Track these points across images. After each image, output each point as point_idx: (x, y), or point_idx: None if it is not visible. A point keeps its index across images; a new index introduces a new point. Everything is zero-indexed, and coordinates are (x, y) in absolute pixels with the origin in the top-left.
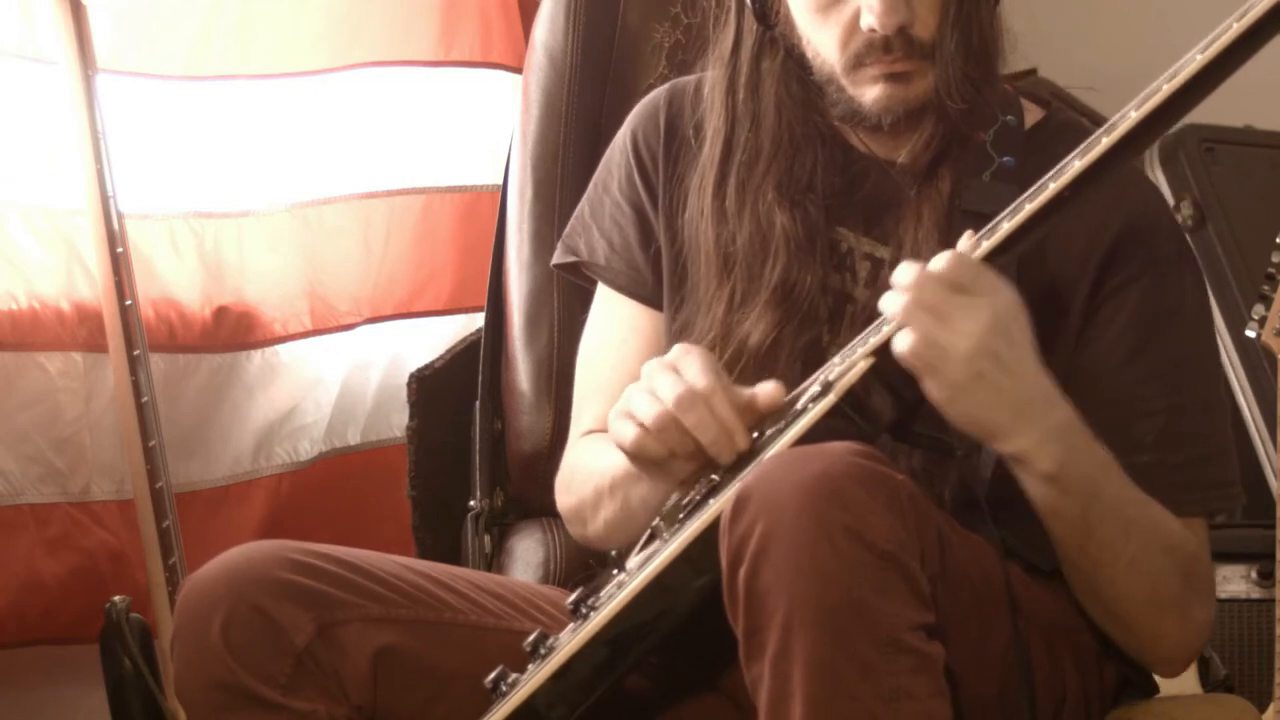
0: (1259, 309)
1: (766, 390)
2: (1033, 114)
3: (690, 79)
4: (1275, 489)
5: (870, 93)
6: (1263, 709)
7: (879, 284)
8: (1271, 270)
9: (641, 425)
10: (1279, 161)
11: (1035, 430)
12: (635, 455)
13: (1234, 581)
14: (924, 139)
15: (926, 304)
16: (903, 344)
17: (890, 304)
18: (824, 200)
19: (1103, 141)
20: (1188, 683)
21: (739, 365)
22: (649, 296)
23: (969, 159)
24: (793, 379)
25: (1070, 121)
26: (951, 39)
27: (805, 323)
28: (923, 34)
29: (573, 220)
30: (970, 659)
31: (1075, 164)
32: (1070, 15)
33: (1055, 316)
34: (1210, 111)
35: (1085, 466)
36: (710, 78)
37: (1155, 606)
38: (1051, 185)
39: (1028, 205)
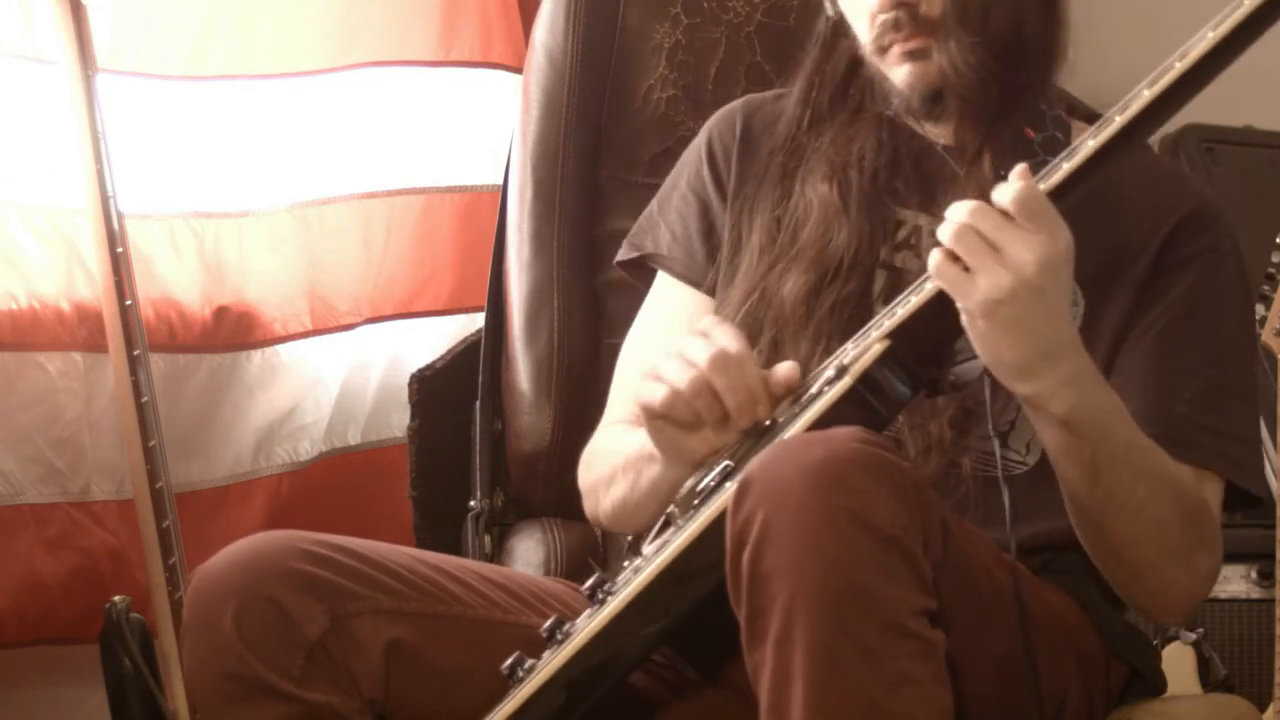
0: (1259, 309)
1: (783, 369)
2: (1081, 131)
3: (766, 93)
4: (1275, 489)
5: (898, 73)
6: (1263, 709)
7: None
8: (1271, 270)
9: (672, 386)
10: (1279, 161)
11: (1055, 374)
12: (662, 417)
13: (1234, 581)
14: (956, 117)
15: (982, 232)
16: (941, 263)
17: (944, 231)
18: (882, 177)
19: (1175, 66)
20: (1188, 683)
21: (776, 321)
22: (701, 280)
23: (1016, 148)
24: (827, 331)
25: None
26: (953, 12)
27: (842, 281)
28: (930, 11)
29: (640, 220)
30: (970, 651)
31: (1144, 93)
32: (1071, 15)
33: (1117, 279)
34: (1210, 111)
35: (1096, 411)
36: (803, 72)
37: (1161, 553)
38: (1117, 118)
39: (1090, 141)
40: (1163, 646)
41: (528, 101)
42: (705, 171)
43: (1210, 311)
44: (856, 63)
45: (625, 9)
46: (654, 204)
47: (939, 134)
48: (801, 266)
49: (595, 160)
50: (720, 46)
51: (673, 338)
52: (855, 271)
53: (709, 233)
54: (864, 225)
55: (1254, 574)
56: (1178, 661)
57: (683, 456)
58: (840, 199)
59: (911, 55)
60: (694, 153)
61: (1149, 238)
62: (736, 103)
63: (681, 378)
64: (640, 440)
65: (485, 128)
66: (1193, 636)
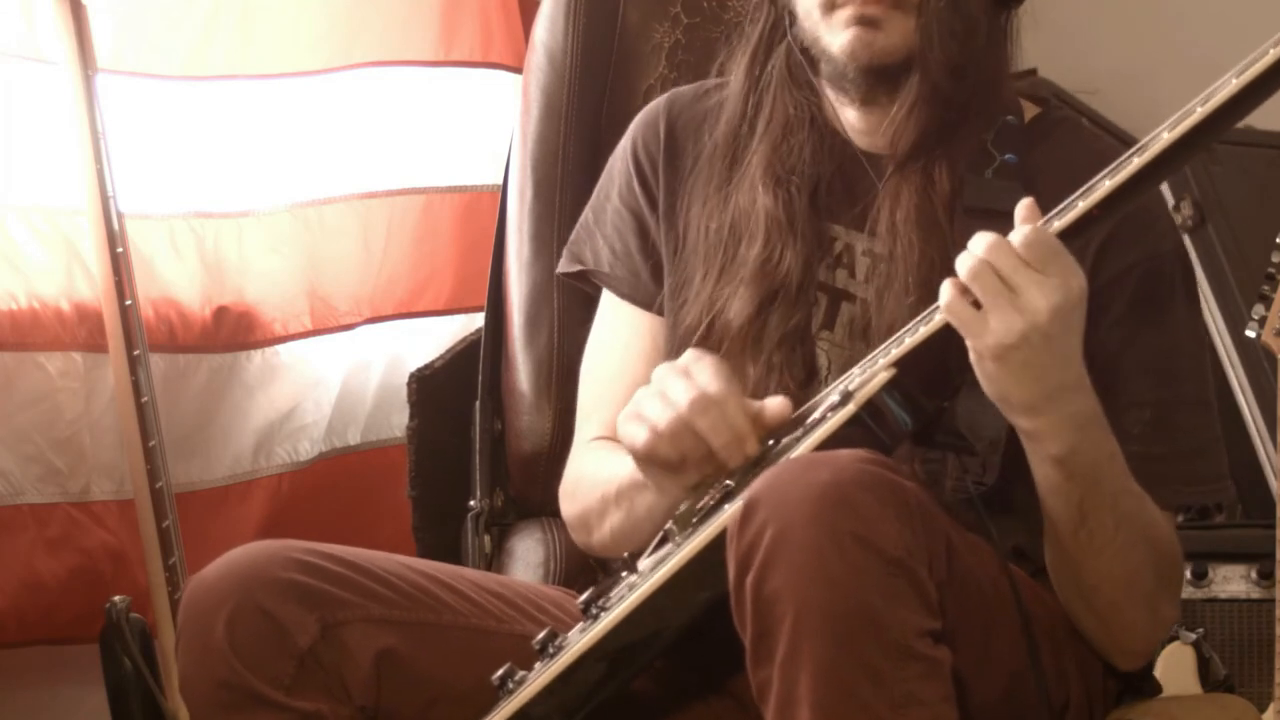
0: (1259, 309)
1: (774, 404)
2: (1030, 111)
3: (690, 87)
4: (1275, 489)
5: (841, 38)
6: (1263, 709)
7: (876, 280)
8: (1271, 270)
9: (654, 428)
10: (1279, 161)
11: (1057, 414)
12: (646, 459)
13: (1234, 581)
14: (903, 109)
15: (999, 271)
16: (954, 300)
17: (962, 264)
18: (816, 195)
19: (1197, 111)
20: (1188, 683)
21: (723, 345)
22: (650, 302)
23: (969, 157)
24: (777, 364)
25: (1068, 117)
26: None
27: (789, 306)
28: None
29: (577, 228)
30: (977, 664)
31: (1164, 135)
32: (1070, 15)
33: None
34: None
35: (1093, 455)
36: (738, 65)
37: (1129, 598)
38: (1136, 159)
39: (1106, 182)
40: (1162, 647)
41: (528, 101)
42: (635, 185)
43: (1153, 325)
44: (777, 32)
45: (625, 9)
46: (589, 212)
47: (866, 131)
48: (747, 287)
49: (595, 160)
50: (720, 46)
51: (635, 362)
52: (801, 298)
53: (648, 249)
54: (806, 245)
55: (1254, 574)
56: (1178, 661)
57: (675, 486)
58: (785, 214)
59: (863, 21)
60: (621, 161)
61: (1078, 257)
62: (660, 102)
63: (662, 419)
64: (627, 467)
65: (485, 128)
66: (1193, 636)
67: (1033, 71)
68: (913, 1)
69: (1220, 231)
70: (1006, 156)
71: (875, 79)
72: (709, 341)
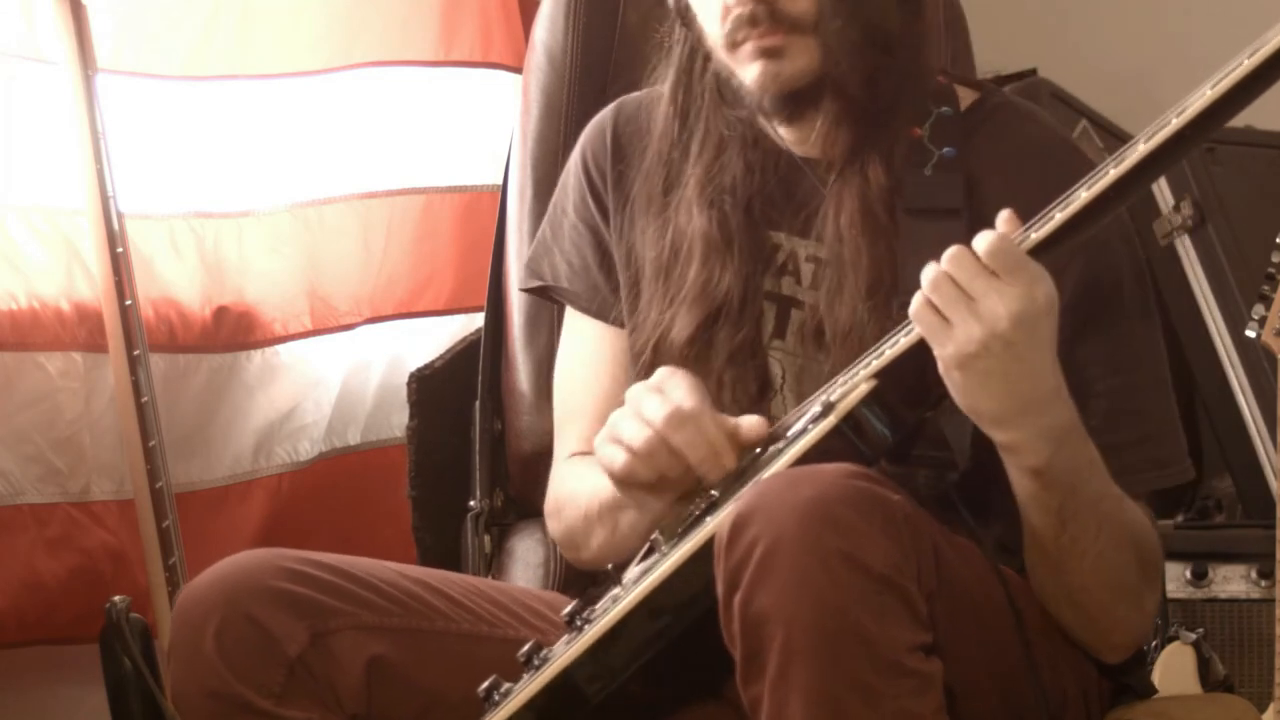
0: (1259, 309)
1: (750, 422)
2: (967, 97)
3: (638, 94)
4: (1275, 489)
5: (749, 72)
6: (1263, 709)
7: (824, 285)
8: (1271, 270)
9: (630, 449)
10: (1279, 161)
11: (1032, 427)
12: (625, 481)
13: (1234, 581)
14: (828, 122)
15: (958, 280)
16: (920, 309)
17: (925, 276)
18: (756, 204)
19: (1172, 122)
20: (1188, 683)
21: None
22: (611, 314)
23: (906, 153)
24: (729, 381)
25: (1004, 103)
26: (834, 12)
27: (734, 323)
28: (790, 8)
29: (535, 243)
30: (971, 672)
31: (1139, 146)
32: (1070, 15)
33: None
34: None
35: (1071, 463)
36: (665, 86)
37: (1114, 596)
38: (1112, 170)
39: (1082, 193)
40: (1163, 646)
41: (528, 101)
42: (589, 199)
43: (1099, 315)
44: (697, 54)
45: (625, 9)
46: (546, 227)
47: (798, 142)
48: (689, 308)
49: None
50: None
51: (603, 375)
52: (746, 314)
53: (606, 263)
54: (745, 261)
55: (1254, 574)
56: (1178, 661)
57: (656, 504)
58: (720, 233)
59: (765, 53)
60: (573, 174)
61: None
62: (607, 112)
63: (637, 438)
64: (608, 484)
65: (485, 128)
66: (1193, 636)
67: (1033, 71)
68: (809, 22)
69: (1220, 231)
70: (944, 150)
71: (794, 103)
72: (658, 365)
